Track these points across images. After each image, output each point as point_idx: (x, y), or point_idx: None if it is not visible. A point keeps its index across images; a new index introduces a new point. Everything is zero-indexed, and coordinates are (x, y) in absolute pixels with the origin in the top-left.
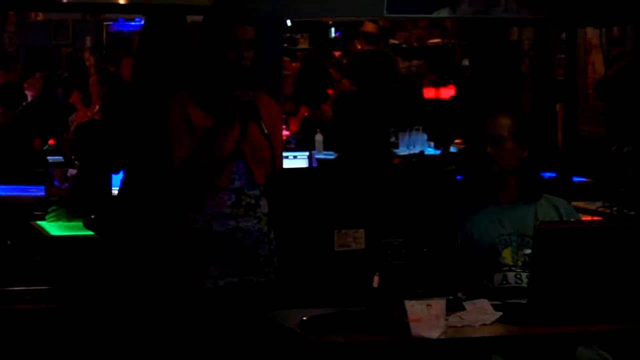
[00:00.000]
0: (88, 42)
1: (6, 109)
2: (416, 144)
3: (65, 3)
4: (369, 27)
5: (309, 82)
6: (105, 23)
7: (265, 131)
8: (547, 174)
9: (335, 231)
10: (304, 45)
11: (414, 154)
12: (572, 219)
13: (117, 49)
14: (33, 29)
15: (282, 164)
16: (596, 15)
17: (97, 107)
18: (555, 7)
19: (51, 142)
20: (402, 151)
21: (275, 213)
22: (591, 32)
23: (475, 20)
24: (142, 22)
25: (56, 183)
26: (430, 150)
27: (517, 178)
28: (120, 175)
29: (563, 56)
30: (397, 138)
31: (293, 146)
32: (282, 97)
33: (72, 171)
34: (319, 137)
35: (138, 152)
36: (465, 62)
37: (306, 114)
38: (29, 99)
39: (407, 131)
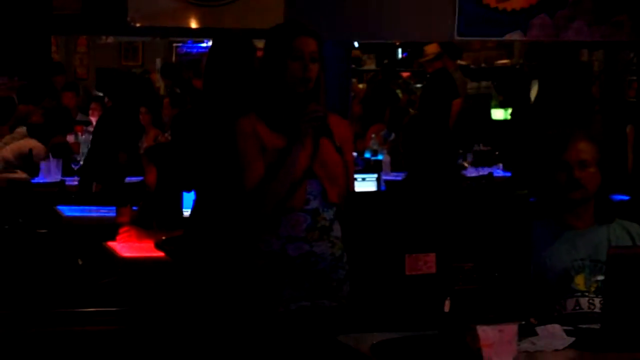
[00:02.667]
0: (157, 63)
1: (55, 133)
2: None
3: (138, 27)
4: (431, 48)
5: (375, 103)
6: (174, 45)
7: (338, 144)
8: (619, 197)
9: (406, 255)
10: (370, 66)
11: (483, 176)
12: None
13: (186, 70)
14: (103, 50)
15: (354, 185)
16: None
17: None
18: (627, 30)
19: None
20: (471, 173)
21: (348, 237)
22: None
23: (546, 43)
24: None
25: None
26: (499, 172)
27: (593, 203)
28: (192, 196)
29: (634, 78)
30: (465, 159)
31: (360, 168)
32: (350, 118)
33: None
34: (386, 159)
35: (210, 173)
36: (534, 85)
37: (373, 135)
38: (93, 123)
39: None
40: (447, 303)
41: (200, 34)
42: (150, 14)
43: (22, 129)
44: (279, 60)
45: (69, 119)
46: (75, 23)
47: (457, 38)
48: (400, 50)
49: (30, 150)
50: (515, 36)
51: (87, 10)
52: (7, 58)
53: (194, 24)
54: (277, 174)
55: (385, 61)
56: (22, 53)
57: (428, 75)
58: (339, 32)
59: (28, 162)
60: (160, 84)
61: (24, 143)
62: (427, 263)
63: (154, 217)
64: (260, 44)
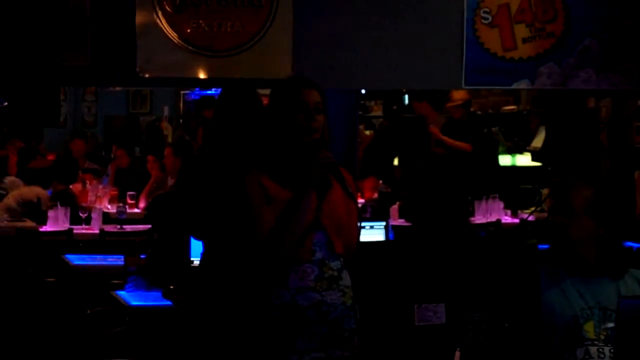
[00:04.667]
0: (165, 111)
1: (64, 183)
2: (492, 212)
3: (147, 78)
4: (460, 94)
5: (381, 150)
6: (182, 92)
7: (350, 190)
8: (628, 244)
9: (416, 305)
10: (377, 112)
11: (491, 223)
12: None
13: (194, 118)
14: (111, 98)
15: (359, 235)
16: None
17: (170, 178)
18: (635, 77)
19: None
20: (479, 219)
21: (357, 287)
22: None
23: (554, 91)
24: (218, 91)
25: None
26: (507, 219)
27: (595, 253)
28: (200, 246)
29: None
30: (473, 206)
31: (369, 215)
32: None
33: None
34: (394, 206)
35: (218, 225)
36: (541, 131)
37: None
38: (109, 170)
39: (483, 199)
40: (457, 354)
41: (209, 84)
42: (159, 65)
43: (12, 177)
44: (285, 113)
45: (75, 168)
46: (84, 74)
47: (464, 87)
48: (407, 96)
49: (39, 199)
50: (522, 85)
51: (97, 62)
52: (17, 109)
53: (202, 75)
54: (288, 224)
55: (395, 107)
56: (32, 104)
57: (449, 120)
58: (347, 81)
59: (36, 209)
60: (168, 131)
61: (26, 190)
62: (436, 313)
63: (162, 266)
64: (265, 92)
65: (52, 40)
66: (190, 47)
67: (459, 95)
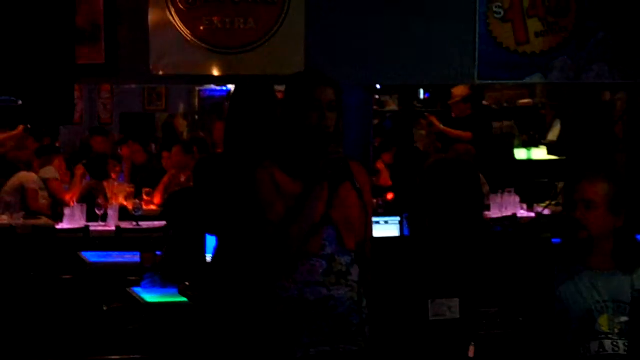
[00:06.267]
0: (181, 108)
1: (97, 179)
2: (508, 206)
3: (162, 76)
4: (459, 90)
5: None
6: (197, 88)
7: (357, 185)
8: None
9: (430, 300)
10: (392, 106)
11: (507, 217)
12: None
13: (209, 114)
14: (127, 95)
15: (372, 232)
16: None
17: (181, 175)
18: None
19: None
20: (494, 214)
21: (367, 281)
22: None
23: (569, 85)
24: (233, 88)
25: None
26: (523, 212)
27: (611, 245)
28: (214, 242)
29: None
30: (488, 200)
31: (382, 211)
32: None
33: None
34: None
35: (230, 219)
36: (557, 124)
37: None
38: (123, 164)
39: (498, 193)
40: (472, 348)
41: (222, 80)
42: (172, 62)
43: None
44: (298, 110)
45: (105, 164)
46: (98, 72)
47: (477, 82)
48: (422, 90)
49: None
50: (535, 79)
51: (110, 60)
52: (32, 108)
53: (215, 72)
54: (296, 217)
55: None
56: (46, 102)
57: (454, 117)
58: (361, 76)
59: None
60: (183, 128)
61: (14, 180)
62: (451, 308)
63: (178, 263)
64: (281, 88)
65: (66, 38)
66: (204, 45)
67: (458, 91)
